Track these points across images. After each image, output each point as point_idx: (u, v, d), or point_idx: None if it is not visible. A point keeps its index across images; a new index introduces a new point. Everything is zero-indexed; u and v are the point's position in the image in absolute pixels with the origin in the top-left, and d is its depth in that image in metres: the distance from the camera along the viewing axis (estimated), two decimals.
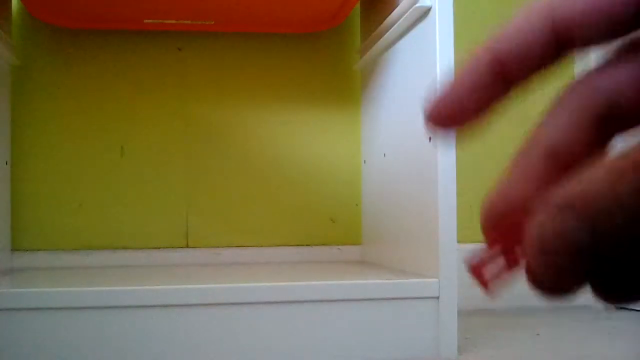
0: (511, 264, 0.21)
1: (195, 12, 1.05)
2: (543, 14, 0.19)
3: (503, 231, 0.20)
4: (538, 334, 0.92)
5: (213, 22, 1.09)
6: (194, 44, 1.17)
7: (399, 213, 0.96)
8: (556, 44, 0.19)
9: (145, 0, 1.00)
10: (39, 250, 1.10)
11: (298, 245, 1.17)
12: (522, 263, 0.20)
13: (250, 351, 0.75)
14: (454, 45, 0.81)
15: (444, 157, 0.80)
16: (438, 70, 0.81)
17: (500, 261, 0.21)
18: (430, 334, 0.79)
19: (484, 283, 0.21)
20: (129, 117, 1.14)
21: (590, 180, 0.17)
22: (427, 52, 0.84)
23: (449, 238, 0.79)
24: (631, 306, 1.14)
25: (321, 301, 0.77)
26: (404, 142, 0.94)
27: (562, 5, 0.19)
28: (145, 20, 1.07)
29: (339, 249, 1.18)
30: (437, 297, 0.79)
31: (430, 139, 0.82)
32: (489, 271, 0.21)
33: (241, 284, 0.77)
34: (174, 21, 1.08)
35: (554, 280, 0.18)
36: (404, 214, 0.93)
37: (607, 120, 0.19)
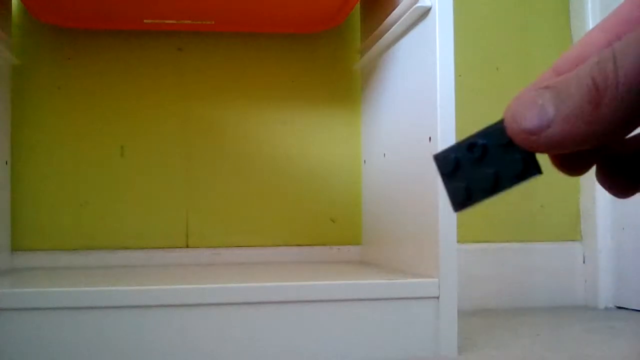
0: None
1: (195, 12, 1.05)
2: None
3: None
4: (538, 334, 0.92)
5: (213, 22, 1.09)
6: (194, 44, 1.17)
7: (399, 213, 0.96)
8: None
9: (145, 0, 1.00)
10: (39, 250, 1.10)
11: (298, 245, 1.17)
12: None
13: (250, 351, 0.75)
14: (454, 45, 0.81)
15: None
16: (438, 70, 0.81)
17: None
18: (430, 334, 0.79)
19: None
20: (129, 117, 1.14)
21: (566, 77, 0.24)
22: (427, 52, 0.84)
23: (449, 238, 0.79)
24: (631, 306, 1.14)
25: (321, 301, 0.77)
26: (404, 142, 0.94)
27: None
28: (145, 20, 1.07)
29: (339, 249, 1.18)
30: (437, 297, 0.79)
31: (430, 138, 0.82)
32: None
33: (241, 284, 0.77)
34: (174, 21, 1.08)
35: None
36: (404, 214, 0.93)
37: None
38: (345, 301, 0.78)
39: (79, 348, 0.73)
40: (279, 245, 1.17)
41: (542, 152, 0.25)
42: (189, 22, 1.08)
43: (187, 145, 1.15)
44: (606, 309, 1.17)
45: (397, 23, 0.92)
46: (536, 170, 0.26)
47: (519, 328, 0.97)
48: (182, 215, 1.15)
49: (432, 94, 0.82)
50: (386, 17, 0.97)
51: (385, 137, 1.04)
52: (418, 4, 0.83)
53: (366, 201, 1.16)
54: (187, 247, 1.14)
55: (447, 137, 0.80)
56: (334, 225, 1.19)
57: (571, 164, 0.28)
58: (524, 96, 0.25)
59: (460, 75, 1.21)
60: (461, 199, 0.29)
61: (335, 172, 1.20)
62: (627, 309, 1.15)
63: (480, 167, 0.28)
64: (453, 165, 0.29)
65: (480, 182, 0.28)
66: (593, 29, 0.27)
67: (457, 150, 0.28)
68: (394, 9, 0.94)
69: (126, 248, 1.12)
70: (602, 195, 1.20)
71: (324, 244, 1.18)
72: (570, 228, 1.24)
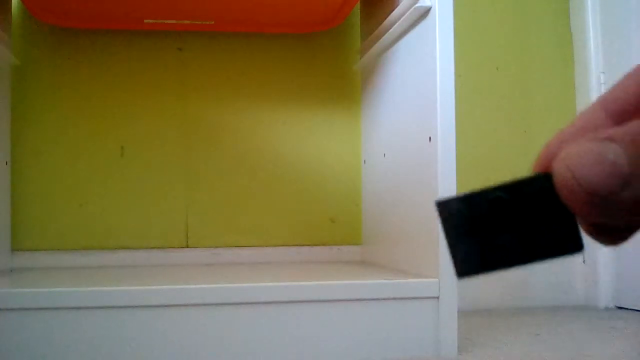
0: None
1: (195, 12, 1.05)
2: None
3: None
4: (538, 334, 0.92)
5: (213, 22, 1.09)
6: (194, 44, 1.17)
7: (399, 213, 0.96)
8: None
9: (145, 0, 1.00)
10: (39, 250, 1.10)
11: (298, 245, 1.17)
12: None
13: (250, 351, 0.75)
14: (454, 45, 0.81)
15: (444, 157, 0.80)
16: (438, 70, 0.81)
17: None
18: (430, 334, 0.79)
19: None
20: (129, 117, 1.14)
21: (632, 126, 0.20)
22: (427, 52, 0.84)
23: None
24: (631, 306, 1.14)
25: (321, 301, 0.77)
26: (404, 142, 0.94)
27: None
28: (145, 20, 1.07)
29: (339, 249, 1.18)
30: (437, 297, 0.79)
31: (430, 138, 0.82)
32: None
33: (241, 284, 0.77)
34: (174, 21, 1.08)
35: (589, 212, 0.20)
36: (404, 214, 0.93)
37: None
38: (346, 301, 0.78)
39: (79, 348, 0.73)
40: (279, 245, 1.17)
41: (614, 219, 0.20)
42: (189, 22, 1.08)
43: (187, 145, 1.15)
44: (606, 309, 1.17)
45: (397, 23, 0.92)
46: (579, 243, 0.21)
47: (519, 328, 0.97)
48: (182, 215, 1.15)
49: (432, 94, 0.82)
50: (386, 17, 0.97)
51: (385, 137, 1.04)
52: (418, 4, 0.83)
53: (366, 201, 1.16)
54: (187, 247, 1.14)
55: (447, 137, 0.80)
56: (334, 225, 1.19)
57: (611, 231, 0.23)
58: (582, 148, 0.20)
59: (460, 75, 1.21)
60: (471, 265, 0.22)
61: (335, 172, 1.20)
62: (627, 309, 1.15)
63: (503, 229, 0.22)
64: (464, 220, 0.22)
65: (501, 247, 0.22)
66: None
67: (471, 202, 0.22)
68: (394, 9, 0.94)
69: (126, 248, 1.12)
70: None
71: (324, 244, 1.18)
72: None
